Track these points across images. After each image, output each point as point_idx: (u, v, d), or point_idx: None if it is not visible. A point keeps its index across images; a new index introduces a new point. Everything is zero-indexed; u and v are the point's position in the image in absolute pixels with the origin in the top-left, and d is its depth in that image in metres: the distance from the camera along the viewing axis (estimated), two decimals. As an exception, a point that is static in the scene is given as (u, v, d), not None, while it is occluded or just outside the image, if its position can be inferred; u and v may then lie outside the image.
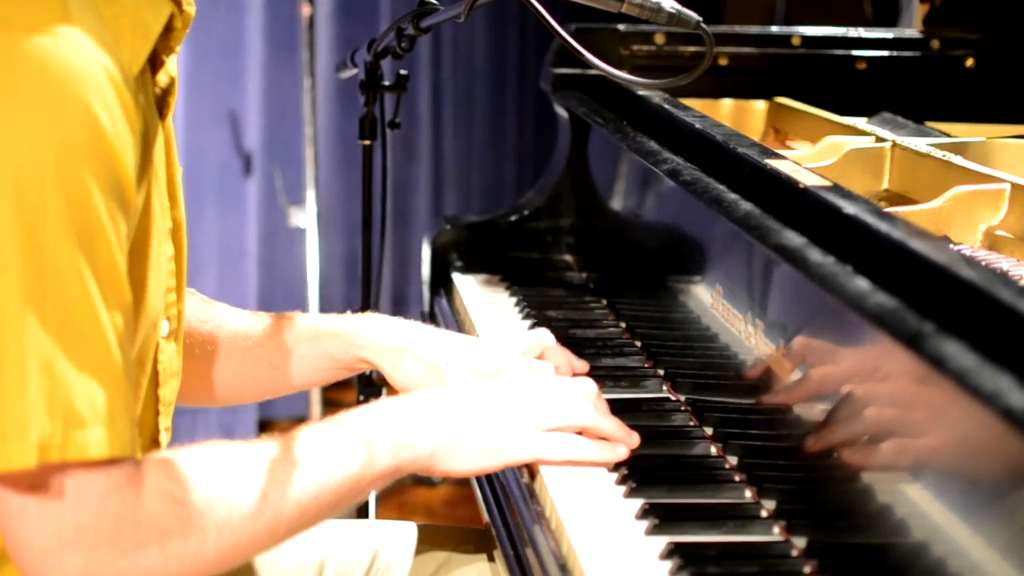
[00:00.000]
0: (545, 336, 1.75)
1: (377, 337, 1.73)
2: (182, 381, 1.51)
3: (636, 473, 1.49)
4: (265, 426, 4.26)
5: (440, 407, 1.49)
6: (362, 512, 2.22)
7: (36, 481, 1.18)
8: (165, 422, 1.46)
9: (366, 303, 2.21)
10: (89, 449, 1.18)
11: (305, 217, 3.87)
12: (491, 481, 1.66)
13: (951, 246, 1.68)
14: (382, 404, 1.49)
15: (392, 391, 1.69)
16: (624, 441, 1.53)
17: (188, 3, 1.41)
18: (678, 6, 1.62)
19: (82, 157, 1.17)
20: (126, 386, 1.21)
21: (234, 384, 1.75)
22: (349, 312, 2.17)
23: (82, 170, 1.17)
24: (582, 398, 1.54)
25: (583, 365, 1.76)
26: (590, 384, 1.56)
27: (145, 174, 1.30)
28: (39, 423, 1.15)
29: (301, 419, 4.15)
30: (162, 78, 1.38)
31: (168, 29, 1.36)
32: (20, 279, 1.15)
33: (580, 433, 1.53)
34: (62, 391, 1.16)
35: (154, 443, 1.45)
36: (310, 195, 3.85)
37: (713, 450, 1.59)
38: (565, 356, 1.75)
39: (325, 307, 3.93)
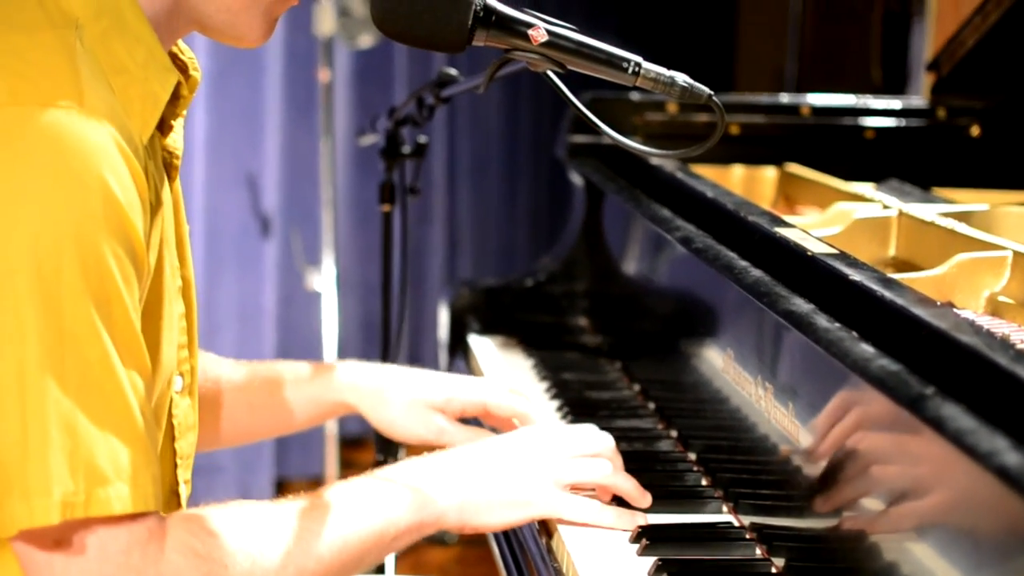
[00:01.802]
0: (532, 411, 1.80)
1: (356, 380, 1.80)
2: None
3: (650, 530, 1.53)
4: (281, 485, 4.27)
5: (463, 464, 1.52)
6: (379, 570, 2.24)
7: (60, 537, 1.21)
8: (184, 475, 1.49)
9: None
10: (112, 505, 1.21)
11: (322, 279, 3.89)
12: (508, 538, 1.69)
13: (955, 312, 1.72)
14: (406, 463, 1.53)
15: (413, 451, 1.73)
16: (638, 501, 1.58)
17: (194, 69, 1.46)
18: (690, 80, 1.65)
19: (98, 226, 1.21)
20: (147, 443, 1.25)
21: (212, 428, 1.79)
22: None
23: (98, 238, 1.21)
24: (603, 454, 1.58)
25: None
26: (608, 438, 1.61)
27: (155, 237, 1.34)
28: (62, 481, 1.19)
29: (317, 478, 4.17)
30: (170, 142, 1.43)
31: (175, 96, 1.40)
32: (40, 343, 1.19)
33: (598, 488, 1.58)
34: (84, 450, 1.20)
35: (174, 495, 1.48)
36: (327, 257, 3.88)
37: (725, 508, 1.63)
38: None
39: (342, 369, 3.93)
